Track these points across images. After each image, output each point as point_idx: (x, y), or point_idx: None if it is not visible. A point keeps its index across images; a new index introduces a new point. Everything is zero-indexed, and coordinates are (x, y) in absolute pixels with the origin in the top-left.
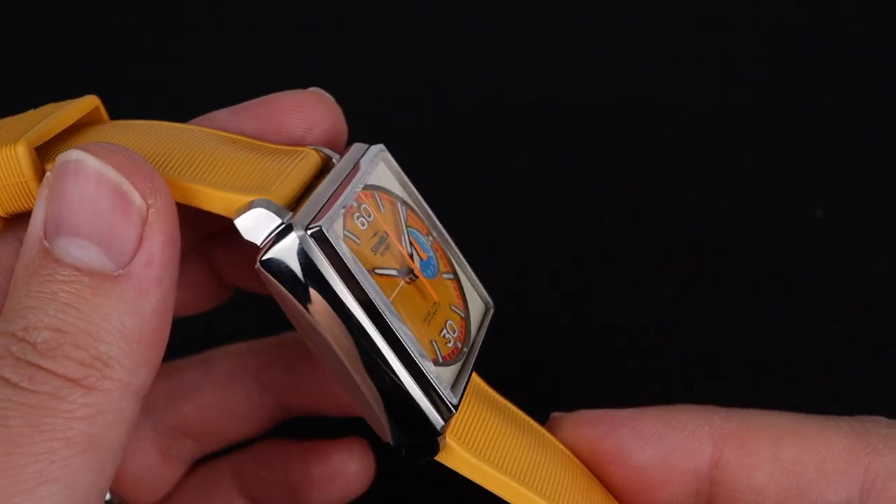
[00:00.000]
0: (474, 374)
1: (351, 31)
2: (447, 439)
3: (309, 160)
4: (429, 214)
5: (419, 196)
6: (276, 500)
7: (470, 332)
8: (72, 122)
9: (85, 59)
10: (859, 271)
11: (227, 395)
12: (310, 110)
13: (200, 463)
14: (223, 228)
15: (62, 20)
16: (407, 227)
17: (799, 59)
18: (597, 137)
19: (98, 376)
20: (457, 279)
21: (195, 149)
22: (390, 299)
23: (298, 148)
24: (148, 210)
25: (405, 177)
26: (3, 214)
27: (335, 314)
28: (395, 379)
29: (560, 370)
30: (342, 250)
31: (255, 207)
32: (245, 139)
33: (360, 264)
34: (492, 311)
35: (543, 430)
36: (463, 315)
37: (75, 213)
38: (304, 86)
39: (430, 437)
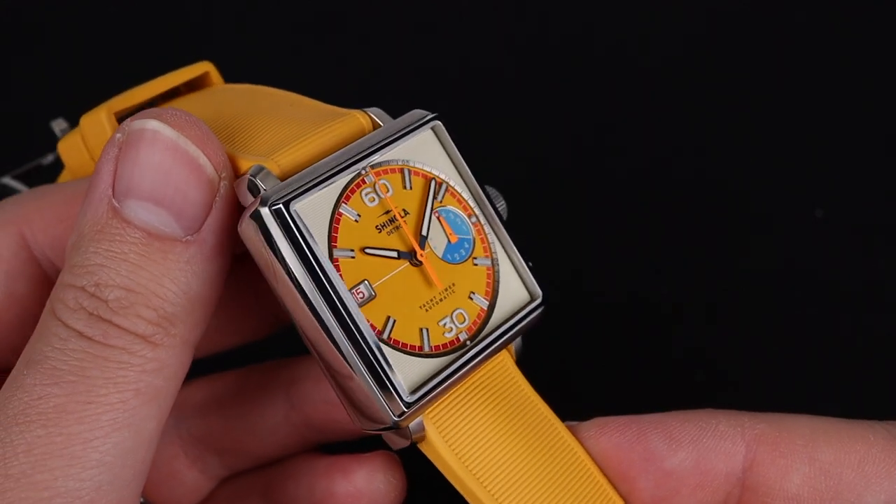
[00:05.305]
0: (507, 366)
1: (351, 28)
2: (427, 430)
3: (345, 126)
4: (479, 193)
5: (470, 173)
6: None
7: (487, 324)
8: (159, 91)
9: (83, 59)
10: (859, 271)
11: (254, 408)
12: None
13: (233, 478)
14: None
15: (61, 21)
16: (436, 206)
17: (799, 60)
18: (595, 137)
19: (163, 334)
20: (494, 266)
21: (252, 113)
22: (379, 281)
23: (344, 110)
24: (220, 182)
25: (457, 151)
26: None
27: (291, 288)
28: (348, 363)
29: (557, 374)
30: (300, 228)
31: (248, 175)
32: (307, 100)
33: (321, 244)
34: (537, 302)
35: (567, 437)
36: (484, 305)
37: (148, 179)
38: (307, 84)
39: (386, 428)
